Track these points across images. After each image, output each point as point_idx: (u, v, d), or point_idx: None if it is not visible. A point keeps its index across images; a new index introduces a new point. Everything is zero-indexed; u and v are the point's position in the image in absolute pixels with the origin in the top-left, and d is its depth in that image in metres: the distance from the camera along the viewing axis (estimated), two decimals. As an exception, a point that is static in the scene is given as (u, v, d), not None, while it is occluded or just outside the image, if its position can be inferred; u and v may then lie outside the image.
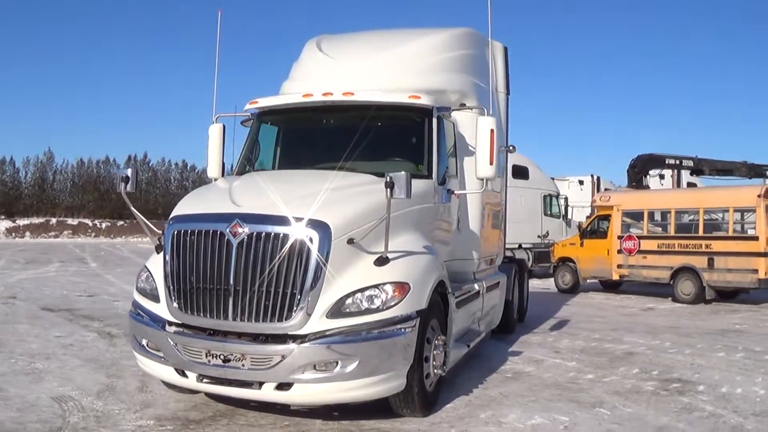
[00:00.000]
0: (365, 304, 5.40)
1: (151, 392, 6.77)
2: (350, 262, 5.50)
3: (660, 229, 17.49)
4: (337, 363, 5.26)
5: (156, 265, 6.04)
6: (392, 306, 5.44)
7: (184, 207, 6.02)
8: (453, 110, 7.45)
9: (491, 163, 6.86)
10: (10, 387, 6.82)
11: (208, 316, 5.46)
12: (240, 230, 5.36)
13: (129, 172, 6.19)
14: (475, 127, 7.00)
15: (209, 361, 5.40)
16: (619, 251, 17.61)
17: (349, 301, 5.37)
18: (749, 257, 14.72)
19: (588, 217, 29.25)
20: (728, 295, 16.22)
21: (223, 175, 7.85)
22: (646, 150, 22.55)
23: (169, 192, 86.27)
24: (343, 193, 5.96)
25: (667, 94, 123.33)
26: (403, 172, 5.33)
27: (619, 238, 17.66)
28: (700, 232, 15.84)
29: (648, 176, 22.32)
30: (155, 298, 5.84)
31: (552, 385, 7.48)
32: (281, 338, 5.31)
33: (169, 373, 5.72)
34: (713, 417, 6.34)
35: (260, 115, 7.62)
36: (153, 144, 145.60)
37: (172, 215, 5.87)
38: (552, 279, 19.92)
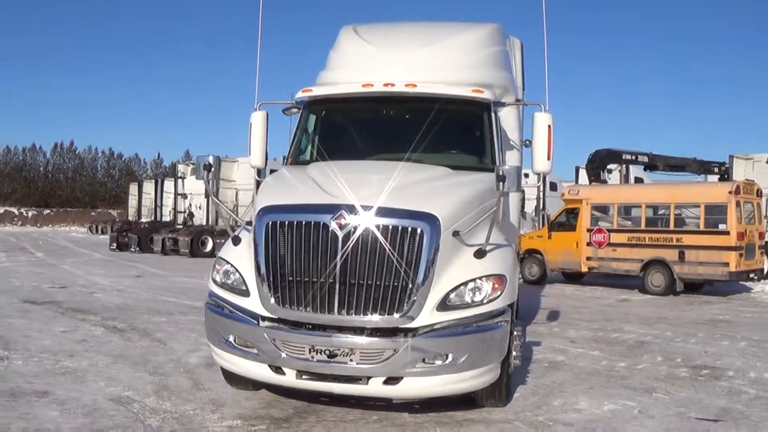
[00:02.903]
0: (469, 297, 5.41)
1: (210, 390, 6.54)
2: (454, 254, 5.49)
3: (630, 222, 18.14)
4: (446, 356, 5.25)
5: (237, 257, 5.82)
6: (494, 299, 5.47)
7: (272, 197, 5.80)
8: (508, 105, 7.52)
9: (548, 158, 6.96)
10: (56, 389, 6.42)
11: (310, 310, 5.30)
12: (346, 222, 5.25)
13: (211, 159, 5.94)
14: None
15: (312, 357, 5.25)
16: (589, 244, 18.15)
17: (455, 294, 5.36)
18: (720, 251, 15.51)
19: (535, 210, 30.18)
20: (693, 287, 17.01)
21: (265, 163, 7.65)
22: (591, 145, 23.38)
23: (95, 180, 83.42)
24: (436, 185, 5.95)
25: (614, 89, 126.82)
26: (513, 166, 5.36)
27: (589, 231, 18.21)
28: (671, 226, 16.54)
29: (604, 171, 23.14)
30: (243, 292, 5.62)
31: (595, 374, 7.72)
32: (390, 331, 5.25)
33: (262, 371, 5.51)
34: (761, 399, 6.74)
35: (311, 104, 7.43)
36: (80, 131, 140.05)
37: (261, 206, 5.65)
38: (517, 270, 20.31)
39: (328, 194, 5.56)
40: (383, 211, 5.29)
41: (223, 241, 27.78)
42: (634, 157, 23.58)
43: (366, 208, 5.28)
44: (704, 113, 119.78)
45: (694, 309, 14.23)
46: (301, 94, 7.35)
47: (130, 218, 43.82)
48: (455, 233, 5.50)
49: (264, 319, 5.47)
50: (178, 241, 29.89)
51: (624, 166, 24.48)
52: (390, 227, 5.25)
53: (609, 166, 23.97)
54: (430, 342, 5.23)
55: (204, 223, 31.33)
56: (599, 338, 10.20)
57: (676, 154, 24.35)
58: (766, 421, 5.96)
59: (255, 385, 6.33)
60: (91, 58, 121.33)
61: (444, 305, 5.32)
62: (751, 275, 16.13)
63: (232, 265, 5.80)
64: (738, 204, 15.61)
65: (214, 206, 6.05)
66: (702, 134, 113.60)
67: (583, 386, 7.08)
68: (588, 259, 18.21)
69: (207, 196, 30.83)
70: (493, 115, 7.17)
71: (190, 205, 33.37)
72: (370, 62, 7.64)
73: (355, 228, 5.24)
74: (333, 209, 5.31)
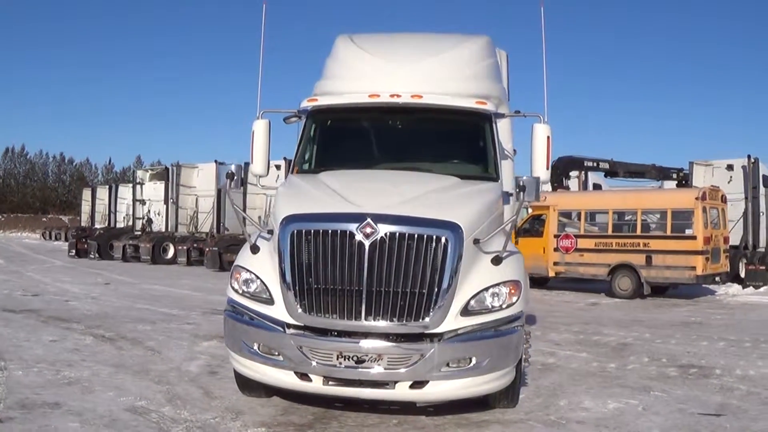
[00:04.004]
0: (489, 303, 5.59)
1: (223, 398, 6.54)
2: (473, 261, 5.66)
3: (596, 228, 18.66)
4: (470, 360, 5.43)
5: (257, 265, 5.85)
6: (511, 304, 5.67)
7: (293, 206, 5.85)
8: (508, 116, 7.74)
9: (547, 168, 7.21)
10: (67, 400, 6.32)
11: (336, 317, 5.40)
12: (372, 230, 5.36)
13: (233, 167, 5.97)
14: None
15: (340, 363, 5.35)
16: (556, 249, 18.59)
17: (476, 299, 5.54)
18: (687, 255, 16.10)
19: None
20: (658, 290, 17.58)
21: (268, 172, 7.68)
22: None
23: (47, 186, 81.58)
24: (452, 194, 6.11)
25: (572, 95, 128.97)
26: (532, 177, 5.57)
27: (556, 236, 18.64)
28: (638, 232, 17.10)
29: (567, 177, 23.78)
30: (267, 300, 5.66)
31: (589, 375, 8.01)
32: (417, 337, 5.39)
33: (287, 378, 5.56)
34: (753, 394, 7.14)
35: (315, 113, 7.50)
36: (30, 136, 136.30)
37: (284, 215, 5.69)
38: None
39: (351, 203, 5.65)
40: (408, 220, 5.43)
41: (185, 247, 27.97)
42: (595, 164, 24.27)
43: (390, 216, 5.41)
44: (662, 120, 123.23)
45: (664, 312, 14.76)
46: (306, 104, 7.39)
47: (83, 224, 43.01)
48: (475, 241, 5.69)
49: (290, 326, 5.53)
50: (139, 248, 29.49)
51: (583, 172, 25.23)
52: (415, 235, 5.38)
53: (576, 173, 24.69)
54: (455, 346, 5.40)
55: (163, 229, 30.93)
56: (582, 341, 10.52)
57: (634, 160, 25.25)
58: (764, 414, 6.35)
59: (267, 392, 6.40)
60: (41, 59, 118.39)
61: (466, 311, 5.50)
62: (717, 278, 16.81)
63: (253, 273, 5.83)
64: (704, 209, 16.25)
65: (236, 212, 6.01)
66: (660, 141, 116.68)
67: (582, 387, 7.34)
68: (555, 264, 18.63)
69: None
70: (494, 125, 7.38)
71: (149, 211, 32.93)
72: (373, 72, 7.69)
73: (381, 236, 5.36)
74: (358, 218, 5.41)
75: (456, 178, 6.64)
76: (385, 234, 5.36)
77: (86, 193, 47.10)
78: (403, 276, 5.34)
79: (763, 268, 18.35)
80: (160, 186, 31.65)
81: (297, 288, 5.48)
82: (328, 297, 5.42)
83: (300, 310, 5.47)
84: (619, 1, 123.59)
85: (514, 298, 5.70)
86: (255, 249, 6.02)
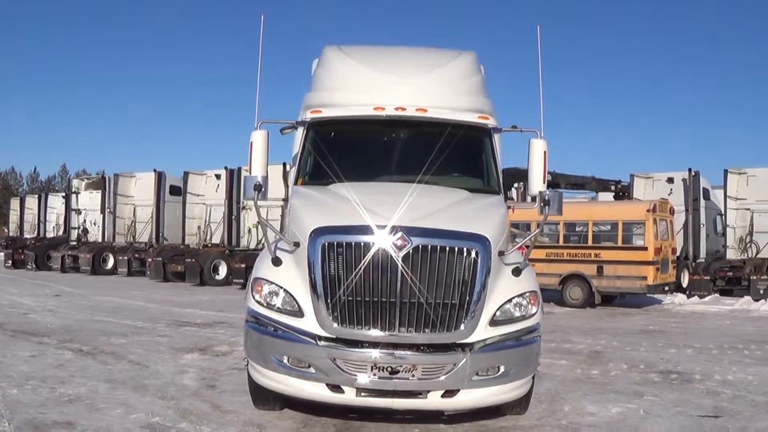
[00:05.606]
0: (513, 313, 5.81)
1: (236, 412, 6.49)
2: (498, 272, 5.87)
3: (547, 239, 19.20)
4: (498, 368, 5.63)
5: (282, 277, 5.85)
6: (533, 315, 5.92)
7: (319, 219, 5.87)
8: (506, 130, 8.00)
9: (544, 182, 7.50)
10: (78, 419, 6.14)
11: (370, 328, 5.49)
12: (404, 242, 5.47)
13: (260, 179, 5.97)
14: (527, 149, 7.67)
15: (375, 374, 5.44)
16: (507, 259, 18.97)
17: (502, 310, 5.75)
18: (639, 265, 16.84)
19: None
20: (606, 299, 18.18)
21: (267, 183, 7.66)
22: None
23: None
24: (470, 207, 6.30)
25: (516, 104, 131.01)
26: (556, 191, 5.82)
27: (507, 247, 19.04)
28: (590, 243, 17.74)
29: (511, 189, 24.49)
30: (296, 313, 5.68)
31: (578, 381, 8.34)
32: (449, 347, 5.54)
33: (318, 390, 5.60)
34: (740, 397, 7.58)
35: (316, 125, 7.50)
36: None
37: (312, 227, 5.72)
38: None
39: (378, 215, 5.71)
40: (438, 233, 5.58)
41: (125, 258, 27.19)
42: None
43: (421, 229, 5.55)
44: (602, 133, 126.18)
45: (620, 320, 15.38)
46: (311, 115, 7.39)
47: (11, 234, 41.28)
48: (500, 253, 5.90)
49: (321, 338, 5.58)
50: (78, 258, 28.58)
51: (522, 183, 25.94)
52: (447, 248, 5.54)
53: (519, 184, 25.36)
54: (485, 356, 5.59)
55: (99, 239, 30.05)
56: (555, 349, 10.86)
57: (573, 172, 26.17)
58: (759, 415, 6.82)
59: (280, 404, 6.41)
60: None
61: (493, 321, 5.70)
62: (666, 288, 17.63)
63: (277, 286, 5.83)
64: (655, 221, 17.03)
65: (262, 224, 5.96)
66: (599, 153, 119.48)
67: (578, 393, 7.64)
68: (506, 274, 18.97)
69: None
70: (494, 140, 7.62)
71: (85, 221, 31.87)
72: (373, 85, 7.69)
73: (413, 248, 5.49)
74: (390, 230, 5.52)
75: (466, 192, 6.83)
76: (417, 246, 5.49)
77: (14, 203, 45.20)
78: (436, 287, 5.49)
79: (707, 278, 19.38)
80: (97, 195, 30.82)
81: (329, 300, 5.53)
82: (361, 309, 5.51)
83: (332, 322, 5.53)
84: (562, 19, 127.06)
85: (534, 309, 5.94)
86: (277, 261, 6.02)
